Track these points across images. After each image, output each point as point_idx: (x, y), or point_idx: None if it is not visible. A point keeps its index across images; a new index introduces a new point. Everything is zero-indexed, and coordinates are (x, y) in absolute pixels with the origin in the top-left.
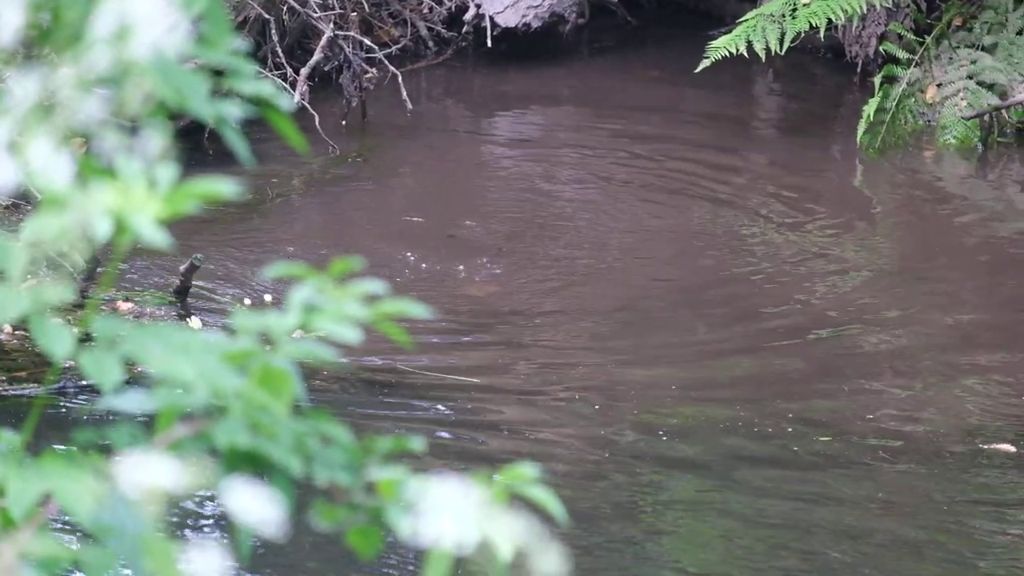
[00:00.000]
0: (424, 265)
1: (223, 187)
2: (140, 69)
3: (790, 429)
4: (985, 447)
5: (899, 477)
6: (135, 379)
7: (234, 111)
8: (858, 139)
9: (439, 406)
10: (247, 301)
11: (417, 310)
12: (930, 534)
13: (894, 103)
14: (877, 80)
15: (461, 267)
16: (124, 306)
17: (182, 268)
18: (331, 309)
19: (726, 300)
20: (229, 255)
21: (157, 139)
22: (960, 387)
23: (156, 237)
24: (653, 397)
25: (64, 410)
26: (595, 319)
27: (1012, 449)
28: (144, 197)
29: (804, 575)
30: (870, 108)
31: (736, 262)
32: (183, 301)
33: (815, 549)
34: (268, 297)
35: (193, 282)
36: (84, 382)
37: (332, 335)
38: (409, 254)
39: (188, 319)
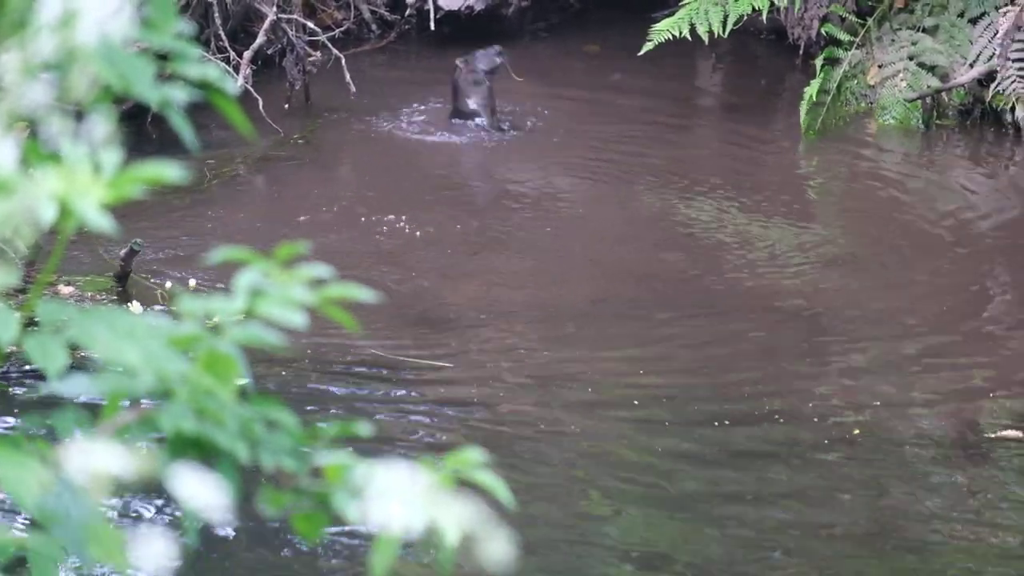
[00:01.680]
0: (370, 249)
1: (168, 171)
2: (85, 55)
3: (740, 417)
4: (992, 435)
5: (850, 466)
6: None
7: (179, 95)
8: (801, 121)
9: (390, 391)
10: (192, 282)
11: (363, 294)
12: (880, 524)
13: (835, 85)
14: (819, 62)
15: (407, 251)
16: (65, 290)
17: (122, 253)
18: (277, 293)
19: (669, 285)
20: (169, 238)
21: (102, 124)
22: (908, 373)
23: (101, 222)
24: (606, 382)
25: (8, 395)
26: (538, 302)
27: (1019, 434)
28: (89, 182)
29: (752, 554)
30: (812, 90)
31: (678, 246)
32: (123, 286)
33: (764, 538)
34: (192, 282)
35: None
36: (28, 367)
37: (278, 319)
38: (354, 238)
39: (128, 304)
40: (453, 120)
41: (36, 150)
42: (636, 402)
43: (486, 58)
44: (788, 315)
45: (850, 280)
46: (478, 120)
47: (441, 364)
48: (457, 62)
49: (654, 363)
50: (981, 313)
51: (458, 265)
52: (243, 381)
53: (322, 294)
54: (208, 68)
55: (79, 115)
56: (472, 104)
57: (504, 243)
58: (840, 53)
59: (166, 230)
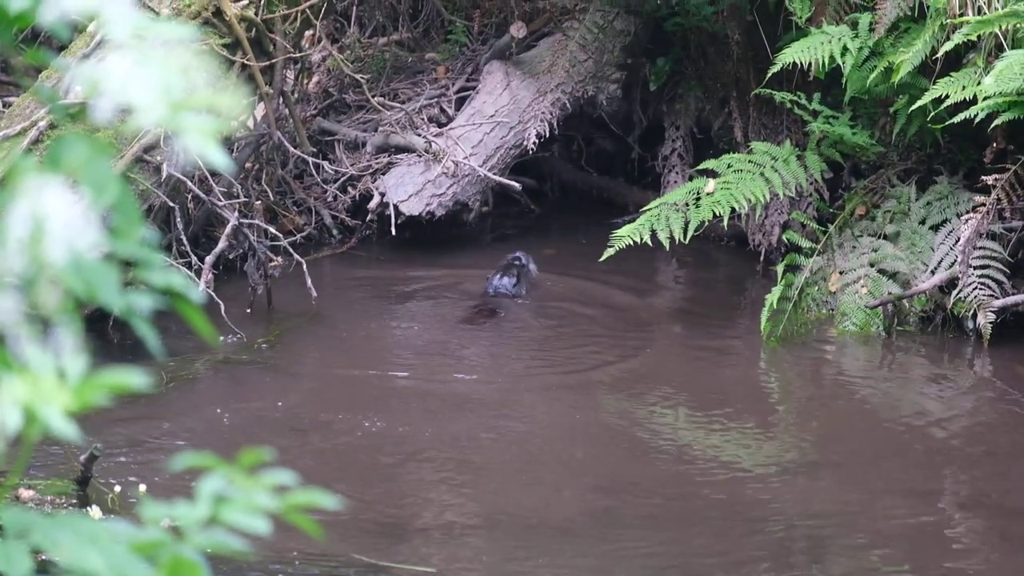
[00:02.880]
0: (336, 454)
1: (133, 379)
2: (54, 268)
3: None
4: None
5: None
6: (42, 568)
7: (144, 303)
8: (761, 328)
9: None
10: (142, 488)
11: (327, 501)
12: None
13: (797, 292)
14: (780, 269)
15: (371, 455)
16: (26, 494)
17: (82, 457)
18: (241, 499)
19: (633, 501)
20: (120, 442)
21: (68, 332)
22: None
23: (65, 429)
24: None
25: None
26: (494, 518)
27: None
28: (54, 389)
29: None
30: (773, 297)
31: (638, 456)
32: (84, 490)
33: None
34: (142, 487)
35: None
36: None
37: (242, 526)
38: (318, 442)
39: (88, 508)
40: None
41: (4, 357)
42: None
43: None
44: (751, 526)
45: (813, 489)
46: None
47: (426, 569)
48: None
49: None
50: (942, 520)
51: (421, 471)
52: None
53: (286, 501)
54: (172, 275)
55: (43, 320)
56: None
57: (467, 450)
58: (801, 260)
59: (118, 434)
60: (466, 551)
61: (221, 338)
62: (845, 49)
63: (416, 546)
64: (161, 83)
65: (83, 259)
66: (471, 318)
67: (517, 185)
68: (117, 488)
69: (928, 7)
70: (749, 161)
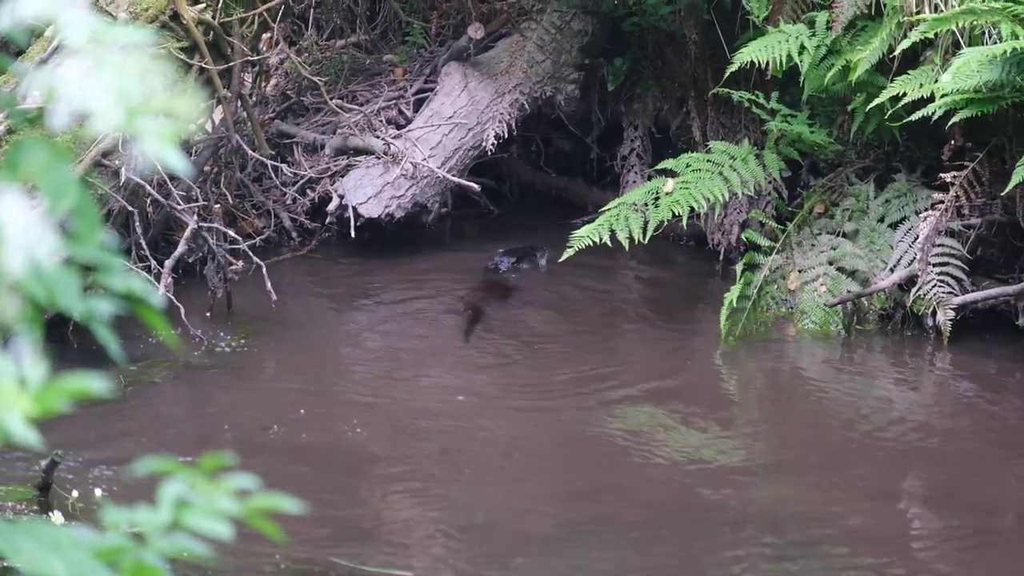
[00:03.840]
0: (290, 455)
1: (93, 384)
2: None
3: None
4: None
5: None
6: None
7: (104, 308)
8: (720, 327)
9: None
10: (98, 492)
11: (289, 505)
12: None
13: (756, 290)
14: (739, 267)
15: (335, 457)
16: None
17: (43, 464)
18: (203, 504)
19: (594, 504)
20: (77, 447)
21: (28, 339)
22: None
23: (26, 436)
24: None
25: None
26: (453, 524)
27: None
28: (14, 396)
29: None
30: (732, 295)
31: (599, 457)
32: (45, 496)
33: None
34: (98, 492)
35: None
36: None
37: (204, 530)
38: (277, 447)
39: (50, 514)
40: None
41: None
42: None
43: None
44: (712, 523)
45: (774, 486)
46: None
47: (403, 574)
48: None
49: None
50: (906, 519)
51: (390, 476)
52: None
53: (248, 505)
54: (133, 280)
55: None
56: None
57: (433, 454)
58: (760, 258)
59: (78, 439)
60: (444, 555)
61: (181, 342)
62: (802, 48)
63: (390, 552)
64: (118, 87)
65: (43, 265)
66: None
67: (476, 186)
68: (75, 493)
69: (885, 5)
70: (707, 160)
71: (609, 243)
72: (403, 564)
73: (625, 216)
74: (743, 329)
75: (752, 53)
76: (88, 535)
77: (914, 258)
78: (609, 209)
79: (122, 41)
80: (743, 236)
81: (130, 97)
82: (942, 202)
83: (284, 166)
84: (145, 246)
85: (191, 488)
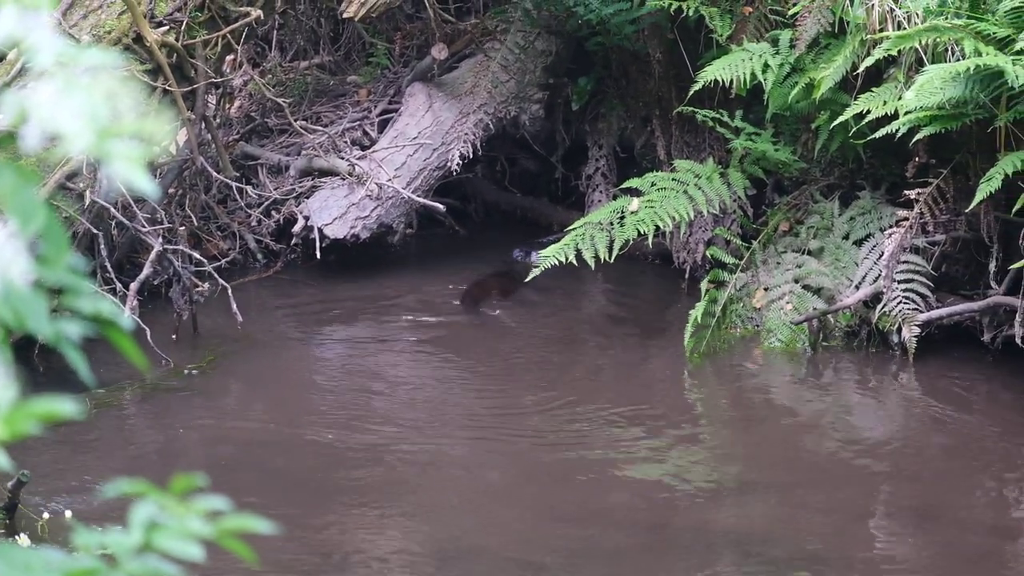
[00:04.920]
0: (266, 477)
1: (63, 407)
2: None
3: None
4: None
5: None
6: None
7: (73, 330)
8: (685, 345)
9: None
10: (68, 514)
11: (261, 526)
12: None
13: (721, 308)
14: (703, 285)
15: (305, 481)
16: None
17: (9, 484)
18: (174, 526)
19: (567, 527)
20: (46, 469)
21: None
22: None
23: None
24: None
25: None
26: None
27: None
28: None
29: None
30: (696, 313)
31: (564, 479)
32: (11, 518)
33: None
34: (68, 513)
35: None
36: None
37: (175, 552)
38: (247, 468)
39: (16, 536)
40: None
41: None
42: None
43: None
44: (678, 544)
45: (740, 506)
46: None
47: None
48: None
49: None
50: (874, 537)
51: (364, 499)
52: None
53: (219, 526)
54: (101, 302)
55: None
56: None
57: (402, 477)
58: (725, 276)
59: (45, 461)
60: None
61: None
62: (766, 66)
63: None
64: (88, 110)
65: (12, 287)
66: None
67: (441, 207)
68: (46, 515)
69: (848, 23)
70: (672, 179)
71: (575, 263)
72: None
73: (591, 235)
74: (708, 347)
75: (716, 72)
76: (59, 557)
77: (879, 275)
78: (575, 228)
79: (89, 64)
80: (708, 254)
81: (100, 119)
82: (907, 219)
83: (249, 188)
84: (110, 269)
85: (162, 510)
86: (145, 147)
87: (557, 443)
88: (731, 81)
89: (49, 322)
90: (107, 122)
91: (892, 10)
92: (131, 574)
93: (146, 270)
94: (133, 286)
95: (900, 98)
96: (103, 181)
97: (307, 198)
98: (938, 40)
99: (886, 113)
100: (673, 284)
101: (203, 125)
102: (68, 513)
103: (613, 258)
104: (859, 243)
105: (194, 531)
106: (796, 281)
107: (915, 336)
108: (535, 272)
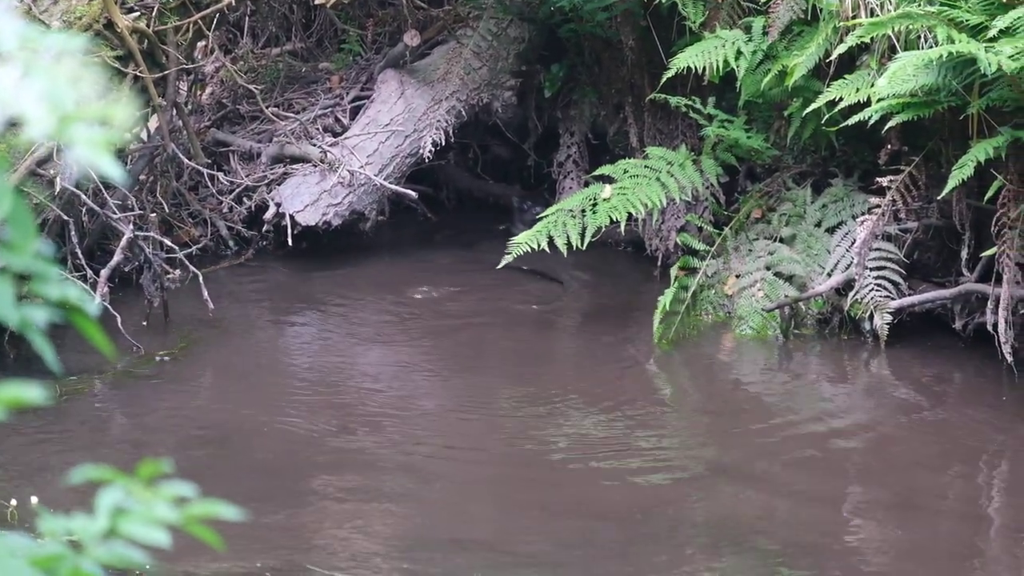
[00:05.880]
0: (229, 468)
1: (31, 393)
2: None
3: None
4: None
5: None
6: None
7: (40, 317)
8: (654, 331)
9: None
10: (34, 500)
11: (228, 512)
12: None
13: (691, 295)
14: (673, 272)
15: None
16: None
17: None
18: (140, 512)
19: (540, 516)
20: (12, 456)
21: None
22: None
23: None
24: None
25: None
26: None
27: None
28: None
29: None
30: (665, 299)
31: (535, 467)
32: None
33: None
34: (34, 500)
35: None
36: None
37: (141, 538)
38: (218, 456)
39: None
40: None
41: None
42: None
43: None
44: (649, 529)
45: (712, 495)
46: None
47: None
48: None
49: None
50: (844, 526)
51: (340, 488)
52: None
53: (186, 512)
54: (69, 288)
55: None
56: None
57: (373, 466)
58: (696, 263)
59: (14, 448)
60: (387, 568)
61: (118, 351)
62: (739, 53)
63: (340, 565)
64: (52, 94)
65: None
66: None
67: (413, 194)
68: (14, 502)
69: (821, 10)
70: (645, 166)
71: (548, 249)
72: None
73: (563, 222)
74: (677, 333)
75: (689, 59)
76: (25, 543)
77: (851, 262)
78: (547, 215)
79: (54, 48)
80: (679, 240)
81: (62, 104)
82: (879, 206)
83: (220, 174)
84: (81, 255)
85: (128, 496)
86: (111, 132)
87: (527, 429)
88: (704, 68)
89: (15, 308)
90: (70, 106)
91: None
92: (97, 560)
93: (117, 257)
94: (104, 273)
95: (872, 85)
96: (70, 166)
97: (279, 185)
98: (911, 27)
99: (859, 100)
100: (645, 271)
101: (174, 111)
102: (34, 500)
103: (585, 245)
104: (831, 230)
105: (160, 517)
106: (768, 268)
107: (887, 323)
108: (507, 259)
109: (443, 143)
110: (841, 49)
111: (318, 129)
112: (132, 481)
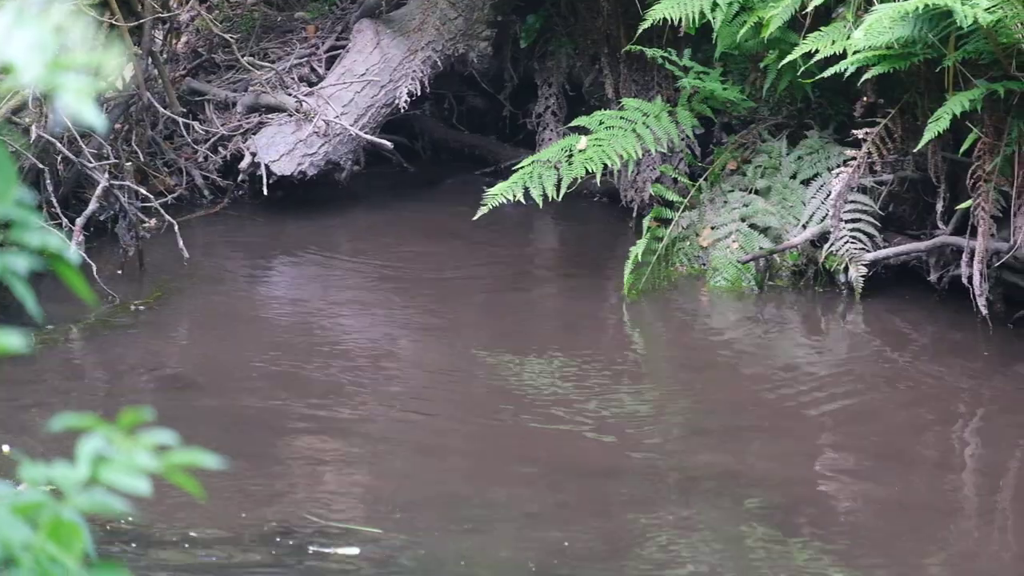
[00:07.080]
0: (206, 418)
1: (9, 340)
2: None
3: None
4: None
5: None
6: None
7: (21, 264)
8: (624, 282)
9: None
10: (5, 448)
11: (209, 460)
12: None
13: (664, 246)
14: (646, 222)
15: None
16: None
17: None
18: (121, 460)
19: (502, 456)
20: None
21: None
22: (752, 538)
23: None
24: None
25: None
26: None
27: None
28: None
29: None
30: (636, 250)
31: (508, 415)
32: None
33: None
34: (5, 448)
35: None
36: None
37: (122, 486)
38: (196, 404)
39: None
40: None
41: None
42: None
43: None
44: (624, 483)
45: (688, 450)
46: None
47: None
48: None
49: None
50: (817, 478)
51: (322, 438)
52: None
53: (167, 461)
54: (49, 236)
55: None
56: None
57: (350, 418)
58: (669, 214)
59: None
60: (379, 525)
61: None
62: (715, 5)
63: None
64: (38, 42)
65: None
66: None
67: (389, 144)
68: (6, 448)
69: None
70: (621, 118)
71: (523, 201)
72: (344, 535)
73: (539, 174)
74: (649, 284)
75: (665, 10)
76: (5, 490)
77: (826, 215)
78: (523, 166)
79: None
80: (653, 191)
81: (49, 52)
82: (854, 159)
83: (196, 124)
84: (56, 204)
85: (109, 444)
86: (94, 80)
87: (500, 382)
88: (680, 19)
89: None
90: (57, 54)
91: None
92: (78, 507)
93: (92, 205)
94: (79, 221)
95: (849, 38)
96: (50, 115)
97: (254, 134)
98: None
99: (835, 53)
100: (621, 222)
101: (150, 60)
102: (6, 448)
103: (561, 197)
104: (806, 183)
105: (142, 465)
106: (743, 220)
107: (862, 276)
108: (482, 210)
109: (419, 93)
110: (817, 1)
111: (294, 79)
112: (113, 429)
